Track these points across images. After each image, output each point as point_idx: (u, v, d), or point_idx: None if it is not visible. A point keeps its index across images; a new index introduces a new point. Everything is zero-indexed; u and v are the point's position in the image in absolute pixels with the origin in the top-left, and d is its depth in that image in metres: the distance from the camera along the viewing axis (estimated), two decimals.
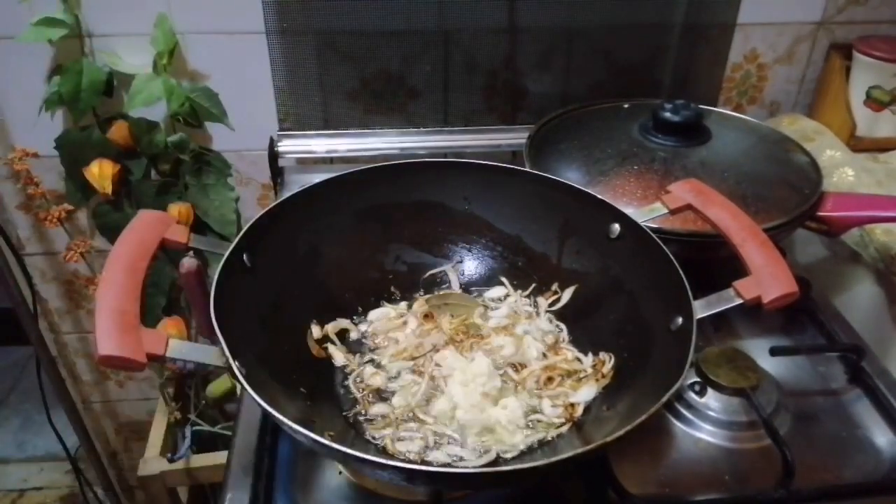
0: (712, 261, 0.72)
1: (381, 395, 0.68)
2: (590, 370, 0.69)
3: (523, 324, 0.75)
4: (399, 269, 0.80)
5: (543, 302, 0.77)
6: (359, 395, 0.68)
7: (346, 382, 0.69)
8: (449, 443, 0.63)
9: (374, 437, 0.63)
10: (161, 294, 1.12)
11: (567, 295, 0.76)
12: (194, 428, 1.16)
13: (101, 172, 1.01)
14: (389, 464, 0.49)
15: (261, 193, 1.16)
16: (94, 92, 0.97)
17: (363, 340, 0.74)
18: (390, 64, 1.04)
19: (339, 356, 0.71)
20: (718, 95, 1.14)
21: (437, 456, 0.61)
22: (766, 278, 0.60)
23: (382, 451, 0.62)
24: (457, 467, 0.60)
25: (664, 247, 0.66)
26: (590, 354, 0.71)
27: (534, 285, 0.79)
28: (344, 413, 0.66)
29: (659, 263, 0.65)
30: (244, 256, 0.65)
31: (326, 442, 0.49)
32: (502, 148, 1.10)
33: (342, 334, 0.74)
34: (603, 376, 0.68)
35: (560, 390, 0.67)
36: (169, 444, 1.18)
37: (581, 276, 0.76)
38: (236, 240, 0.64)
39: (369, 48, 1.03)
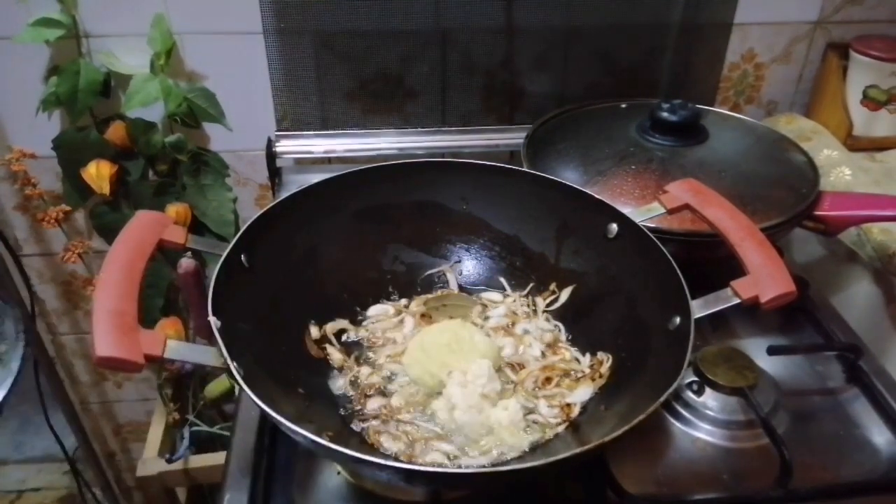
0: (710, 260, 0.72)
1: (379, 395, 0.68)
2: (587, 370, 0.70)
3: (522, 323, 0.75)
4: (397, 269, 0.80)
5: (541, 302, 0.77)
6: (356, 395, 0.68)
7: (343, 382, 0.69)
8: (448, 443, 0.63)
9: (370, 437, 0.63)
10: (159, 295, 1.12)
11: (565, 295, 0.76)
12: (192, 428, 1.16)
13: (98, 173, 1.00)
14: (388, 464, 0.49)
15: (259, 194, 1.16)
16: (92, 92, 0.96)
17: (361, 340, 0.74)
18: (388, 64, 1.04)
19: (336, 356, 0.71)
20: (716, 95, 1.14)
21: (434, 456, 0.61)
22: (764, 278, 0.60)
23: (377, 451, 0.62)
24: (455, 468, 0.60)
25: (662, 246, 0.66)
26: (587, 354, 0.71)
27: (532, 285, 0.79)
28: (342, 413, 0.66)
29: (657, 263, 0.65)
30: (242, 257, 0.65)
31: (324, 442, 0.49)
32: (500, 148, 1.10)
33: (340, 334, 0.74)
34: (600, 376, 0.68)
35: (556, 391, 0.68)
36: (167, 445, 1.18)
37: (579, 275, 0.76)
38: (234, 240, 0.64)
39: (367, 48, 1.03)
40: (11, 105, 1.03)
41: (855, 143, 1.07)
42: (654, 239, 0.67)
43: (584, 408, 0.66)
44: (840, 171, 0.97)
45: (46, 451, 1.73)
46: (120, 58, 0.99)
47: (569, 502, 0.66)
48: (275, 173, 1.07)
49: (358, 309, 0.77)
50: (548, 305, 0.77)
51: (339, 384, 0.69)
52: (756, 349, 0.78)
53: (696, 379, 0.74)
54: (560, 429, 0.65)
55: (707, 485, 0.67)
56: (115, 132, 1.02)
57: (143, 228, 0.62)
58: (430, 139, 1.10)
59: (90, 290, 1.21)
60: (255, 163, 1.11)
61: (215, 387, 1.17)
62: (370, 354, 0.73)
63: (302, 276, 0.73)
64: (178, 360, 0.54)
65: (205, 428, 1.17)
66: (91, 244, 1.14)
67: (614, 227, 0.71)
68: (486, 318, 0.76)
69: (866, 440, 0.72)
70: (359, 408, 0.66)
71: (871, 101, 1.06)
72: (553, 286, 0.77)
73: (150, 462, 1.13)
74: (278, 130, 1.08)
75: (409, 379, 0.68)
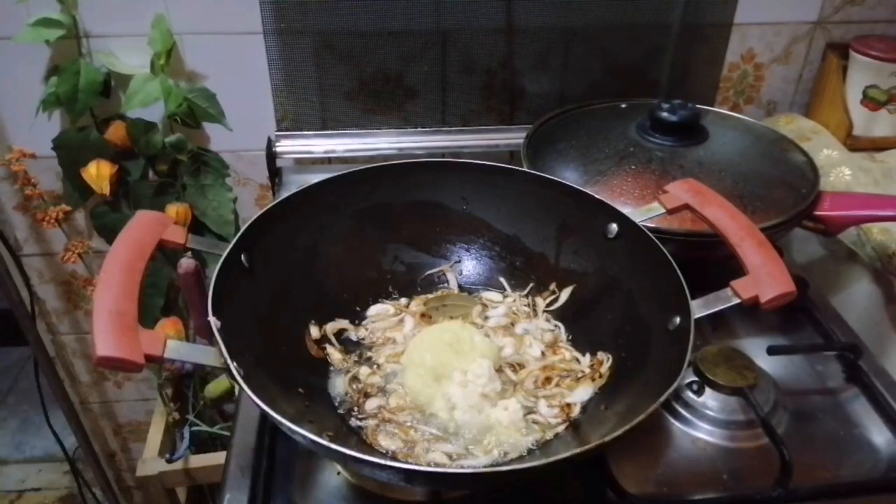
0: (710, 260, 0.73)
1: (379, 395, 0.68)
2: (587, 370, 0.70)
3: (522, 323, 0.75)
4: (397, 269, 0.80)
5: (541, 302, 0.77)
6: (355, 395, 0.68)
7: (343, 382, 0.69)
8: (448, 443, 0.63)
9: (369, 436, 0.63)
10: (159, 295, 1.12)
11: (565, 295, 0.76)
12: (192, 428, 1.16)
13: (98, 173, 1.00)
14: (388, 464, 0.49)
15: (259, 194, 1.16)
16: (92, 92, 0.96)
17: (361, 340, 0.74)
18: (388, 64, 1.04)
19: (336, 356, 0.71)
20: (715, 95, 1.15)
21: (434, 456, 0.61)
22: (764, 278, 0.60)
23: (375, 450, 0.62)
24: (455, 467, 0.60)
25: (662, 246, 0.66)
26: (587, 354, 0.71)
27: (532, 285, 0.79)
28: (341, 413, 0.66)
29: (657, 263, 0.65)
30: (242, 257, 0.65)
31: (324, 442, 0.49)
32: (500, 148, 1.10)
33: (340, 334, 0.74)
34: (600, 376, 0.68)
35: (556, 390, 0.68)
36: (167, 445, 1.18)
37: (579, 275, 0.76)
38: (234, 240, 0.64)
39: (367, 48, 1.03)
40: (11, 105, 1.03)
41: (855, 143, 1.07)
42: (654, 239, 0.67)
43: (584, 408, 0.66)
44: (840, 171, 0.97)
45: (46, 451, 1.74)
46: (120, 58, 0.99)
47: (569, 502, 0.66)
48: (275, 173, 1.07)
49: (358, 309, 0.77)
50: (548, 305, 0.77)
51: (338, 384, 0.69)
52: (756, 349, 0.78)
53: (696, 379, 0.74)
54: (560, 429, 0.65)
55: (707, 485, 0.67)
56: (116, 132, 1.02)
57: (143, 228, 0.62)
58: (430, 139, 1.10)
59: (90, 290, 1.21)
60: (256, 163, 1.11)
61: (215, 387, 1.17)
62: (370, 354, 0.73)
63: (302, 276, 0.73)
64: (178, 360, 0.54)
65: (205, 428, 1.17)
66: (91, 244, 1.14)
67: (614, 227, 0.71)
68: (486, 318, 0.76)
69: (866, 440, 0.72)
70: (358, 407, 0.66)
71: (871, 101, 1.06)
72: (553, 286, 0.77)
73: (150, 462, 1.13)
74: (278, 130, 1.08)
75: (405, 387, 0.68)
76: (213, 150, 1.09)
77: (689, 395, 0.74)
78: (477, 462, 0.61)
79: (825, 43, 1.12)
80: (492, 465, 0.61)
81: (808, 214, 0.83)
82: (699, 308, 0.60)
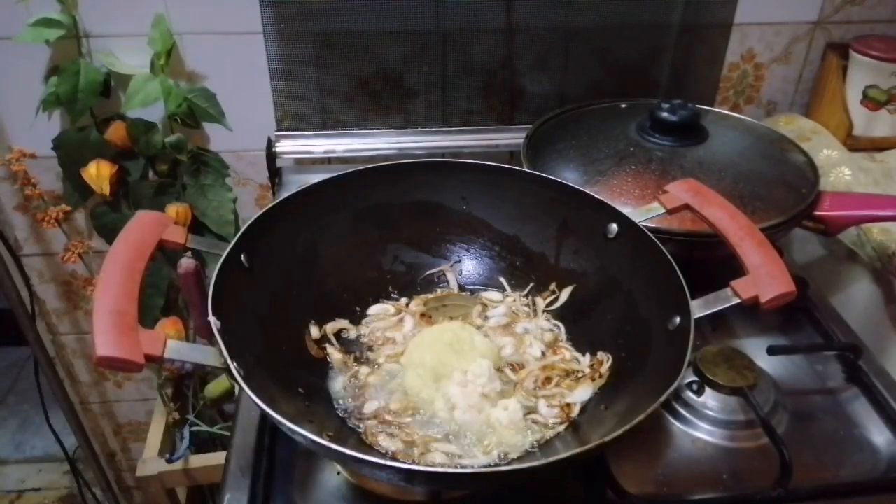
0: (710, 260, 0.73)
1: (379, 395, 0.68)
2: (587, 370, 0.70)
3: (522, 323, 0.75)
4: (397, 269, 0.80)
5: (541, 302, 0.77)
6: (355, 395, 0.68)
7: (343, 382, 0.69)
8: (448, 443, 0.63)
9: (368, 436, 0.63)
10: (159, 295, 1.12)
11: (565, 295, 0.76)
12: (192, 428, 1.16)
13: (98, 173, 1.00)
14: (388, 464, 0.49)
15: (259, 194, 1.16)
16: (92, 92, 0.96)
17: (361, 340, 0.74)
18: (388, 64, 1.04)
19: (336, 356, 0.71)
20: (715, 95, 1.15)
21: (434, 456, 0.61)
22: (764, 278, 0.60)
23: (375, 451, 0.62)
24: (455, 467, 0.60)
25: (662, 247, 0.66)
26: (587, 354, 0.71)
27: (531, 285, 0.79)
28: (341, 413, 0.66)
29: (657, 263, 0.65)
30: (242, 257, 0.65)
31: (324, 442, 0.49)
32: (500, 148, 1.10)
33: (340, 333, 0.74)
34: (600, 376, 0.68)
35: (556, 391, 0.68)
36: (167, 445, 1.18)
37: (579, 275, 0.76)
38: (234, 240, 0.64)
39: (367, 48, 1.03)
40: (11, 105, 1.03)
41: (855, 143, 1.07)
42: (654, 239, 0.67)
43: (584, 408, 0.66)
44: (840, 171, 0.97)
45: (46, 451, 1.74)
46: (120, 58, 0.99)
47: (569, 502, 0.66)
48: (275, 173, 1.07)
49: (358, 309, 0.77)
50: (548, 305, 0.77)
51: (338, 384, 0.69)
52: (756, 349, 0.79)
53: (696, 379, 0.74)
54: (560, 429, 0.65)
55: (707, 485, 0.67)
56: (116, 132, 1.02)
57: (144, 228, 0.62)
58: (430, 139, 1.10)
59: (90, 290, 1.21)
60: (256, 163, 1.11)
61: (215, 387, 1.17)
62: (370, 354, 0.73)
63: (302, 275, 0.73)
64: (178, 360, 0.54)
65: (205, 428, 1.17)
66: (91, 244, 1.14)
67: (614, 227, 0.71)
68: (486, 318, 0.76)
69: (866, 440, 0.72)
70: (358, 407, 0.66)
71: (871, 101, 1.06)
72: (553, 286, 0.77)
73: (150, 462, 1.13)
74: (278, 130, 1.08)
75: (404, 388, 0.68)
76: (213, 150, 1.09)
77: (689, 395, 0.74)
78: (477, 462, 0.61)
79: (825, 43, 1.12)
80: (492, 466, 0.61)
81: (808, 214, 0.83)
82: (699, 308, 0.60)
